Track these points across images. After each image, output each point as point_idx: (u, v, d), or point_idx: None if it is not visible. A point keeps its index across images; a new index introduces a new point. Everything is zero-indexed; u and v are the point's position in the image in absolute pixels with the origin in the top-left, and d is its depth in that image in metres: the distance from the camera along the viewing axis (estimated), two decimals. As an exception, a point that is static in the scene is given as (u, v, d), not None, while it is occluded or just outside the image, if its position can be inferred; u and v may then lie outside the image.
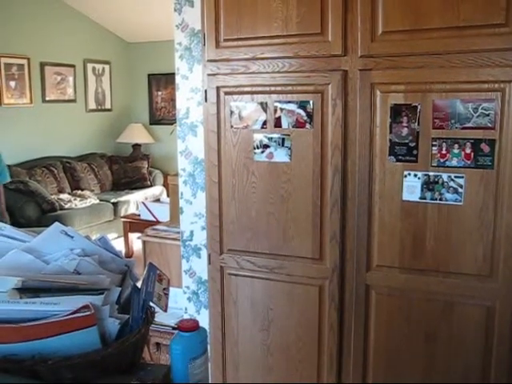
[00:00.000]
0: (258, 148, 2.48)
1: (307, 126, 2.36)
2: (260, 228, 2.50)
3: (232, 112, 2.50)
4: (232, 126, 2.51)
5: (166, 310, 1.29)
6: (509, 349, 2.16)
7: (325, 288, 2.42)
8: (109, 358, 1.13)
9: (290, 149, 2.41)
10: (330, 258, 2.36)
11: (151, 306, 1.28)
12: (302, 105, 2.35)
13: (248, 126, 2.48)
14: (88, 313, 1.09)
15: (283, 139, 2.43)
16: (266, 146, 2.48)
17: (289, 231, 2.43)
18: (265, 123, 2.45)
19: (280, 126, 2.43)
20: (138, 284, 1.31)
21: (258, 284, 2.54)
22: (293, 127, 2.39)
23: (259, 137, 2.47)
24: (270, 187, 2.46)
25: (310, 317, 2.47)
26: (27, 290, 1.13)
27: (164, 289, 1.32)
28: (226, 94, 2.49)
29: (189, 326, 1.22)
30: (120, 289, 1.23)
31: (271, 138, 2.46)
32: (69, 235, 1.26)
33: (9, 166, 6.06)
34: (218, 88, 2.52)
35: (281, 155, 2.44)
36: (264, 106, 2.45)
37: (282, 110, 2.42)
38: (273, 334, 2.54)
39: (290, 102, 2.38)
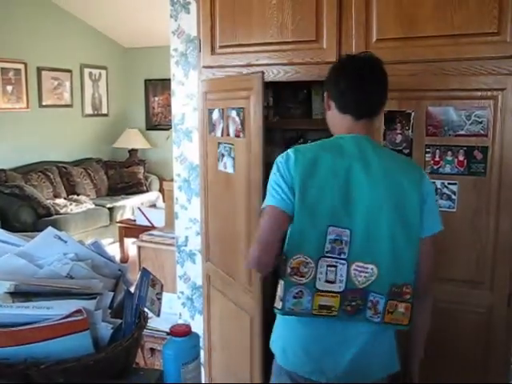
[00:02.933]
0: (220, 157, 2.46)
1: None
2: (224, 243, 2.52)
3: (211, 118, 2.51)
4: (210, 133, 2.52)
5: (158, 315, 1.30)
6: (503, 355, 2.17)
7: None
8: (101, 363, 1.13)
9: (233, 159, 2.37)
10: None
11: (144, 311, 1.29)
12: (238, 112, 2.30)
13: (215, 134, 2.49)
14: (80, 317, 1.09)
15: (230, 148, 2.38)
16: (223, 155, 2.44)
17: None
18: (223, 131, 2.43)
19: (229, 135, 2.38)
20: (131, 289, 1.31)
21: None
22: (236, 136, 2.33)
23: (220, 146, 2.45)
24: (224, 198, 2.48)
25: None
26: (20, 294, 1.14)
27: (157, 294, 1.33)
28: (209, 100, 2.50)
29: (181, 331, 1.22)
30: (113, 293, 1.24)
31: (225, 147, 2.42)
32: (62, 240, 1.26)
33: (4, 170, 6.07)
34: (204, 93, 2.53)
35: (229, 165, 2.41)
36: (221, 113, 2.42)
37: (228, 117, 2.36)
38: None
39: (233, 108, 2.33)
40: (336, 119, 1.72)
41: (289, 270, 1.55)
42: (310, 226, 1.55)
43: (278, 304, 1.58)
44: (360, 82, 1.67)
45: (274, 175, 1.61)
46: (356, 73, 1.69)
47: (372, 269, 1.56)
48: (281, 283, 1.58)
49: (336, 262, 1.55)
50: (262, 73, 2.12)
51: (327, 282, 1.55)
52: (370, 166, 1.59)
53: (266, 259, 1.55)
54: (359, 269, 1.56)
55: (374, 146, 1.69)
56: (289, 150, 1.63)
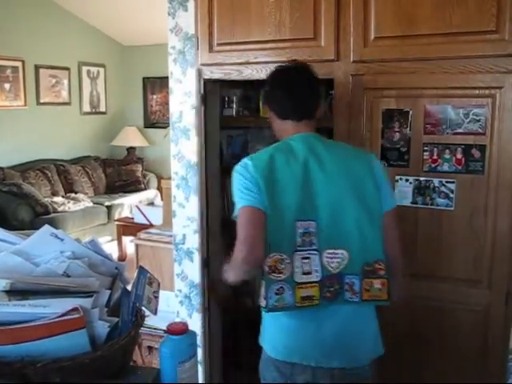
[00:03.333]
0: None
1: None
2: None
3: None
4: None
5: (155, 313, 1.30)
6: (500, 353, 2.17)
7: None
8: (98, 361, 1.13)
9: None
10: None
11: (141, 309, 1.28)
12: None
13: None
14: (77, 315, 1.09)
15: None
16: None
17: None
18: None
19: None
20: (128, 287, 1.31)
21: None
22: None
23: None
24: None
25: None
26: (16, 293, 1.13)
27: (154, 292, 1.33)
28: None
29: (178, 329, 1.22)
30: (109, 292, 1.23)
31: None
32: (59, 238, 1.26)
33: (2, 168, 6.05)
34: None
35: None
36: None
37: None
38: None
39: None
40: (280, 127, 1.87)
41: (267, 268, 1.63)
42: (281, 224, 1.65)
43: (262, 302, 1.67)
44: (292, 90, 1.83)
45: (238, 182, 1.71)
46: (287, 82, 1.85)
47: (342, 253, 1.67)
48: (262, 283, 1.65)
49: (308, 254, 1.66)
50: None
51: (304, 274, 1.65)
52: (323, 159, 1.72)
53: (256, 254, 1.61)
54: (330, 255, 1.67)
55: (323, 140, 1.82)
56: (243, 160, 1.75)
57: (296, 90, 1.82)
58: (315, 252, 1.66)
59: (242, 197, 1.67)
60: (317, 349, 1.71)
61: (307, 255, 1.65)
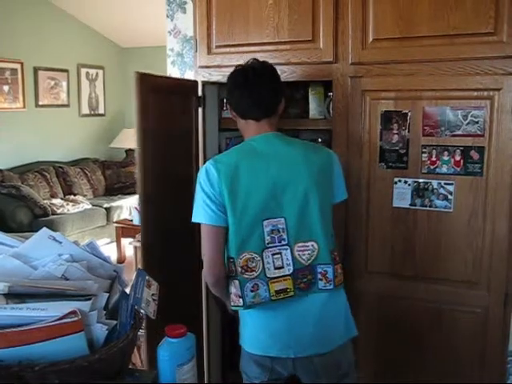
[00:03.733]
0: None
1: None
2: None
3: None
4: None
5: (154, 316, 1.29)
6: (499, 355, 2.17)
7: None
8: (96, 364, 1.13)
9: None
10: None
11: (140, 312, 1.28)
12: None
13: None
14: (75, 318, 1.08)
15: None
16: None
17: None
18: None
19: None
20: (127, 290, 1.30)
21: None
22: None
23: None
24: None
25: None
26: (14, 296, 1.13)
27: (153, 295, 1.32)
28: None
29: (176, 333, 1.22)
30: (108, 294, 1.23)
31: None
32: (57, 240, 1.25)
33: (1, 170, 6.05)
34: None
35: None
36: None
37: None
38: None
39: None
40: (243, 126, 1.90)
41: (239, 269, 1.72)
42: (246, 226, 1.72)
43: (238, 301, 1.75)
44: (250, 89, 1.85)
45: (199, 193, 1.76)
46: (245, 82, 1.86)
47: (312, 245, 1.76)
48: (235, 283, 1.74)
49: (279, 249, 1.74)
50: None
51: (276, 268, 1.74)
52: (286, 156, 1.79)
53: (215, 271, 1.77)
54: (301, 248, 1.76)
55: (284, 139, 1.86)
56: (207, 164, 1.78)
57: (254, 90, 1.84)
58: (286, 247, 1.74)
59: (203, 213, 1.74)
60: (293, 340, 1.78)
61: (278, 251, 1.74)
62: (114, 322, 1.20)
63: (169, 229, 2.32)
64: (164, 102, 2.27)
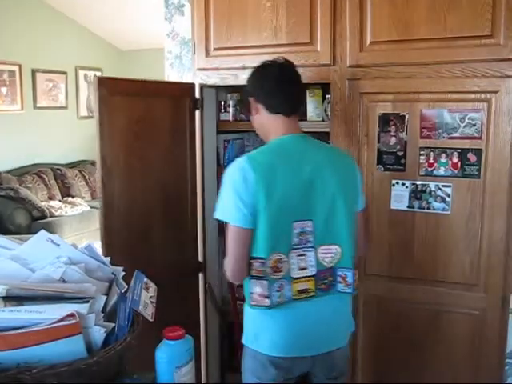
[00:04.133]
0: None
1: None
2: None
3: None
4: None
5: (152, 319, 1.29)
6: (496, 357, 2.17)
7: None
8: (94, 367, 1.13)
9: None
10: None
11: (139, 315, 1.28)
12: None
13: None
14: (73, 321, 1.08)
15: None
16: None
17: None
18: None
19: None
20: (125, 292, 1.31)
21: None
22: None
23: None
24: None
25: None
26: (12, 298, 1.13)
27: (150, 297, 1.32)
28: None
29: (174, 335, 1.22)
30: (106, 297, 1.23)
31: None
32: (55, 243, 1.25)
33: (-1, 172, 6.05)
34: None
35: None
36: None
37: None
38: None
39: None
40: (268, 120, 1.86)
41: (269, 269, 1.71)
42: (279, 228, 1.71)
43: (263, 301, 1.73)
44: (283, 84, 1.84)
45: (230, 191, 1.71)
46: (278, 75, 1.85)
47: (336, 249, 1.77)
48: (262, 283, 1.72)
49: (304, 251, 1.75)
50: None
51: (300, 269, 1.75)
52: (315, 160, 1.78)
53: (241, 272, 1.74)
54: (325, 251, 1.77)
55: (312, 141, 1.86)
56: (242, 163, 1.72)
57: (286, 86, 1.84)
58: (311, 249, 1.75)
59: (234, 214, 1.70)
60: (315, 338, 1.79)
61: (303, 252, 1.75)
62: (112, 324, 1.20)
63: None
64: (138, 105, 2.26)
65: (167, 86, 2.51)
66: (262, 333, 1.80)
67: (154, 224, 2.39)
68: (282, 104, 1.84)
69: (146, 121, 2.30)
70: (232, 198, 1.69)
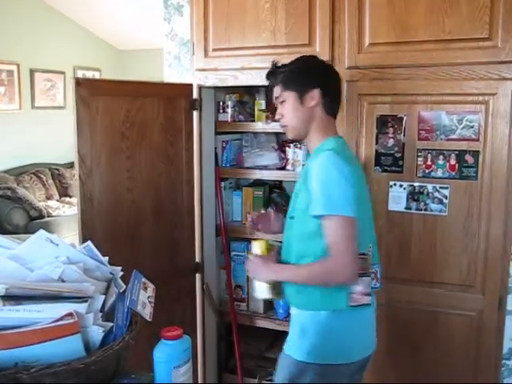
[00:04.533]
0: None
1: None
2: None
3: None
4: None
5: (150, 318, 1.30)
6: (493, 358, 2.18)
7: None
8: (92, 366, 1.13)
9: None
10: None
11: (137, 314, 1.28)
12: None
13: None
14: (71, 320, 1.09)
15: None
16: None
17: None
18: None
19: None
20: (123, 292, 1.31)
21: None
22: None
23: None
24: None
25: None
26: (11, 298, 1.13)
27: (149, 297, 1.33)
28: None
29: (172, 335, 1.22)
30: (104, 296, 1.23)
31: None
32: (53, 243, 1.25)
33: (-3, 172, 6.03)
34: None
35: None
36: None
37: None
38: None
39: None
40: (322, 120, 1.77)
41: (368, 266, 1.72)
42: (367, 222, 1.74)
43: (364, 300, 1.70)
44: (340, 86, 1.84)
45: (344, 183, 1.60)
46: (338, 78, 1.83)
47: (371, 246, 1.76)
48: (363, 280, 1.68)
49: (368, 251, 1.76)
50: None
51: None
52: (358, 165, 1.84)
53: (357, 269, 1.64)
54: (368, 250, 1.75)
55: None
56: (337, 156, 1.64)
57: (340, 88, 1.86)
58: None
59: (352, 205, 1.60)
60: (372, 337, 1.81)
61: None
62: (111, 324, 1.20)
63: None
64: (125, 106, 2.27)
65: (159, 86, 2.51)
66: (355, 337, 1.73)
67: (145, 223, 2.40)
68: (338, 108, 1.82)
69: (136, 121, 2.31)
70: (350, 191, 1.60)
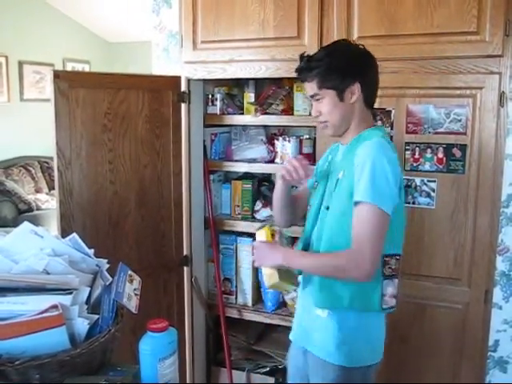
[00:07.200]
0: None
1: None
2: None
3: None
4: None
5: (136, 311, 1.30)
6: (479, 350, 2.20)
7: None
8: (77, 358, 1.13)
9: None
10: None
11: (122, 307, 1.28)
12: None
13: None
14: (56, 313, 1.09)
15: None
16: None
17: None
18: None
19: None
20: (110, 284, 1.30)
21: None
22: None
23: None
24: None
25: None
26: (-5, 290, 1.13)
27: (134, 289, 1.33)
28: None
29: (158, 327, 1.22)
30: (89, 289, 1.23)
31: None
32: (38, 235, 1.25)
33: (-15, 164, 5.99)
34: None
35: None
36: None
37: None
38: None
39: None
40: (361, 113, 1.67)
41: (399, 267, 1.63)
42: (403, 226, 1.66)
43: (393, 302, 1.64)
44: (378, 75, 1.70)
45: (395, 176, 1.54)
46: (376, 65, 1.68)
47: None
48: (394, 282, 1.62)
49: None
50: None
51: None
52: None
53: (375, 269, 1.52)
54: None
55: None
56: (388, 144, 1.60)
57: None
58: None
59: (392, 203, 1.53)
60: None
61: None
62: (96, 316, 1.20)
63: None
64: (108, 98, 2.27)
65: (143, 79, 2.49)
66: (383, 335, 1.71)
67: (129, 215, 2.41)
68: (376, 98, 1.71)
69: (119, 113, 2.31)
70: (389, 184, 1.51)
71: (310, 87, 1.66)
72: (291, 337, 1.86)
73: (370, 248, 1.48)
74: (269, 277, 1.69)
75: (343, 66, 1.63)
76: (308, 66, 1.65)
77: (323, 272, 1.59)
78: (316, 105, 1.68)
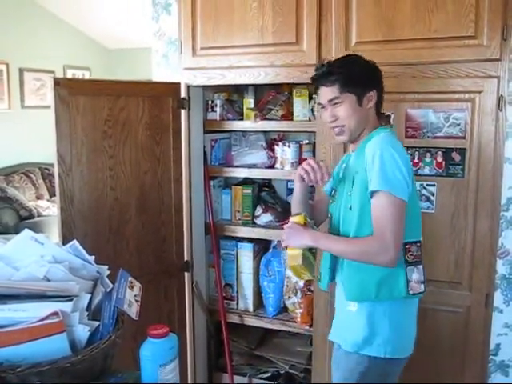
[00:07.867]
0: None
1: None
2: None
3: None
4: None
5: (136, 317, 1.30)
6: (480, 354, 2.20)
7: (300, 295, 2.42)
8: (78, 365, 1.13)
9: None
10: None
11: (123, 313, 1.28)
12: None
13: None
14: (56, 320, 1.09)
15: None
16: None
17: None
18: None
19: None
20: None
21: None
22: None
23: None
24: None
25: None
26: (-5, 297, 1.13)
27: (135, 296, 1.33)
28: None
29: (158, 333, 1.22)
30: (90, 295, 1.23)
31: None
32: (39, 242, 1.25)
33: (-14, 171, 5.99)
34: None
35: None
36: None
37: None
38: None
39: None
40: (373, 118, 1.76)
41: (421, 253, 1.71)
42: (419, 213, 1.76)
43: (420, 287, 1.69)
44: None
45: (404, 165, 1.60)
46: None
47: None
48: (419, 268, 1.69)
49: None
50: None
51: None
52: None
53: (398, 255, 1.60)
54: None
55: None
56: (396, 141, 1.68)
57: None
58: None
59: (405, 189, 1.59)
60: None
61: None
62: (97, 322, 1.20)
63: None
64: (108, 105, 2.29)
65: (143, 85, 2.50)
66: (409, 330, 1.76)
67: (130, 221, 2.42)
68: (381, 106, 1.80)
69: (119, 120, 2.33)
70: (401, 172, 1.58)
71: (331, 91, 1.71)
72: (329, 337, 1.90)
73: (391, 233, 1.55)
74: (292, 258, 1.73)
75: (364, 73, 1.73)
76: (329, 71, 1.72)
77: (348, 255, 1.66)
78: (332, 110, 1.73)
